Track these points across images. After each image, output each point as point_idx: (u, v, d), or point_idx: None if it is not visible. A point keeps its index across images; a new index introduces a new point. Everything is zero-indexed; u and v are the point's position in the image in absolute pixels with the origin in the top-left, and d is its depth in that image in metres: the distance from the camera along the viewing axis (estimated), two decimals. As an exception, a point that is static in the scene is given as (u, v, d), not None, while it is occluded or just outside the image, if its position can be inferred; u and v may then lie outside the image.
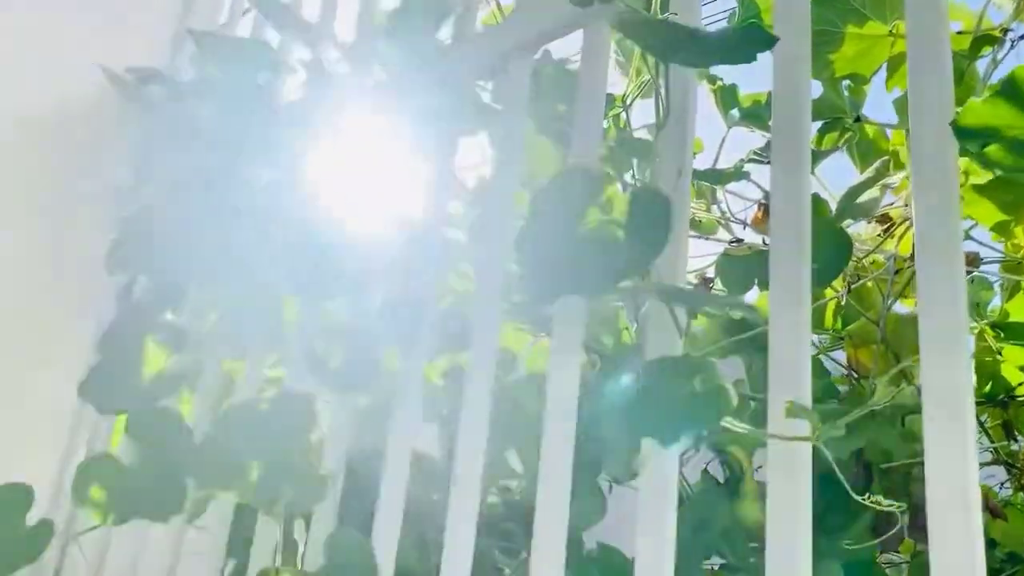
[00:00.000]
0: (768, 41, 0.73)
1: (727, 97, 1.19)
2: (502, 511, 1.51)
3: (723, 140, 1.16)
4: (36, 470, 1.64)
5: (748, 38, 0.73)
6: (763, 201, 1.12)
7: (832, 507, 1.40)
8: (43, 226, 1.75)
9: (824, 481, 1.37)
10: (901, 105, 1.03)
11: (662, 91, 0.83)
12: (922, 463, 0.64)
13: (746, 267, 1.10)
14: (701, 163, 1.25)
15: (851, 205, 0.97)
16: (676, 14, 0.88)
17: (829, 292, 1.13)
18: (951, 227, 0.69)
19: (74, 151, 1.81)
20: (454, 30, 1.22)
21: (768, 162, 1.17)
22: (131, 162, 1.78)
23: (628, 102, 1.17)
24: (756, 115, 1.15)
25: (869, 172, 1.01)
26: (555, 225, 0.78)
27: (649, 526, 0.79)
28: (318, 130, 1.34)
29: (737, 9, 1.03)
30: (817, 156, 1.05)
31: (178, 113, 1.52)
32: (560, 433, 0.90)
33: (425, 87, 1.23)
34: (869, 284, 1.13)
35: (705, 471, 1.39)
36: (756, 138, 1.19)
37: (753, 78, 1.41)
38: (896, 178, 0.97)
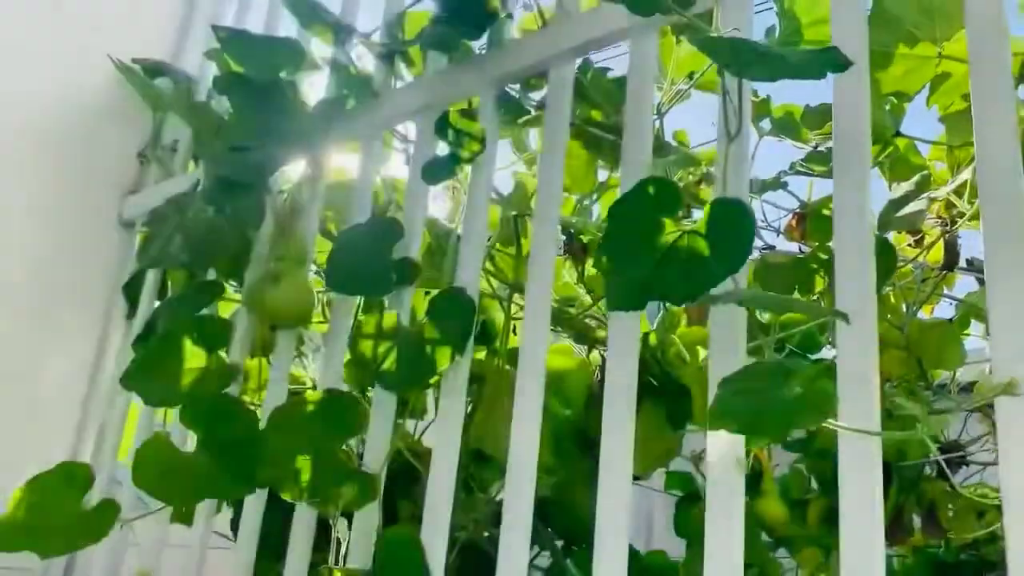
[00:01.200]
0: (843, 63, 0.76)
1: (759, 108, 1.22)
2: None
3: (755, 150, 1.19)
4: (48, 451, 1.63)
5: (824, 59, 0.75)
6: (798, 210, 1.15)
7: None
8: (51, 216, 1.72)
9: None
10: (951, 122, 1.06)
11: (733, 103, 0.85)
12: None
13: (785, 274, 1.14)
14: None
15: (894, 217, 1.01)
16: (738, 30, 0.91)
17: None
18: (1017, 243, 0.73)
19: (85, 138, 1.79)
20: (491, 35, 1.23)
21: (809, 174, 1.21)
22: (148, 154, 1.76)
23: (663, 111, 1.20)
24: (788, 126, 1.19)
25: (908, 185, 1.05)
26: (635, 234, 0.80)
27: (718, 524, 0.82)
28: (349, 129, 1.34)
29: (778, 23, 1.06)
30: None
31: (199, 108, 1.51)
32: (621, 434, 0.92)
33: (462, 89, 1.25)
34: (891, 291, 1.17)
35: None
36: (784, 147, 1.23)
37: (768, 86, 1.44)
38: (941, 191, 1.01)
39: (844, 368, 0.79)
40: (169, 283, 1.61)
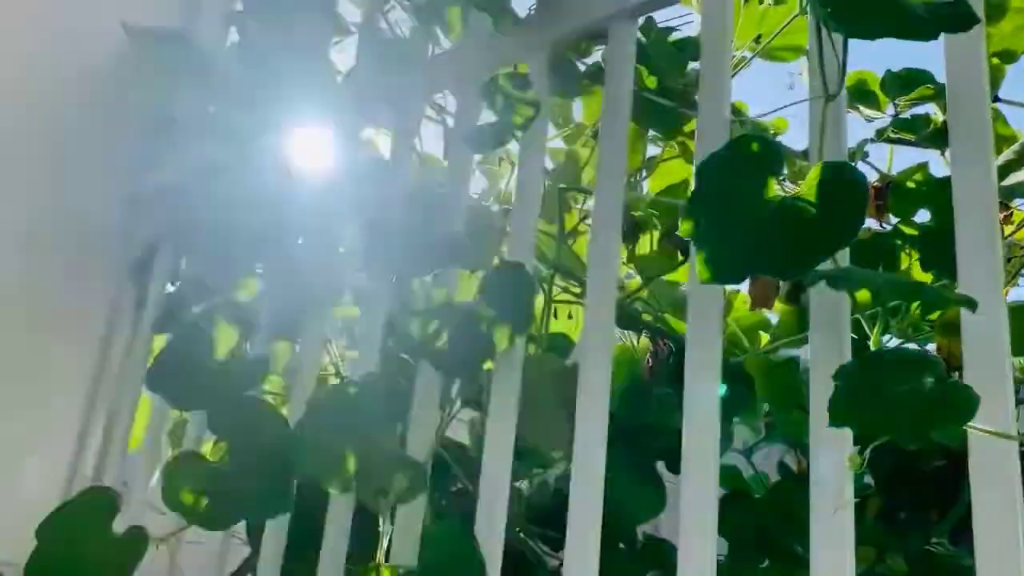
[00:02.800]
0: (972, 19, 0.68)
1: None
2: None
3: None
4: (51, 453, 1.54)
5: (954, 14, 0.67)
6: (877, 183, 1.07)
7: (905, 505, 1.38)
8: (53, 192, 1.63)
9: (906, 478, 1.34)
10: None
11: (839, 59, 0.77)
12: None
13: (865, 251, 1.06)
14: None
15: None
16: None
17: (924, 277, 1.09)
18: None
19: (90, 112, 1.69)
20: (540, -6, 1.14)
21: (895, 142, 1.13)
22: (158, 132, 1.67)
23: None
24: (864, 94, 1.11)
25: (1009, 155, 0.97)
26: (733, 197, 0.72)
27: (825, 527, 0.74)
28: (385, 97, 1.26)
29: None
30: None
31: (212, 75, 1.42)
32: (707, 436, 0.84)
33: (509, 54, 1.16)
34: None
35: (782, 463, 1.35)
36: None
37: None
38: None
39: (972, 361, 0.70)
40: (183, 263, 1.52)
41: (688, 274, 0.93)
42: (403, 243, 1.09)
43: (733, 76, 1.11)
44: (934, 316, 1.09)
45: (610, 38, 1.07)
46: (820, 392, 0.75)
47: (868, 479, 1.40)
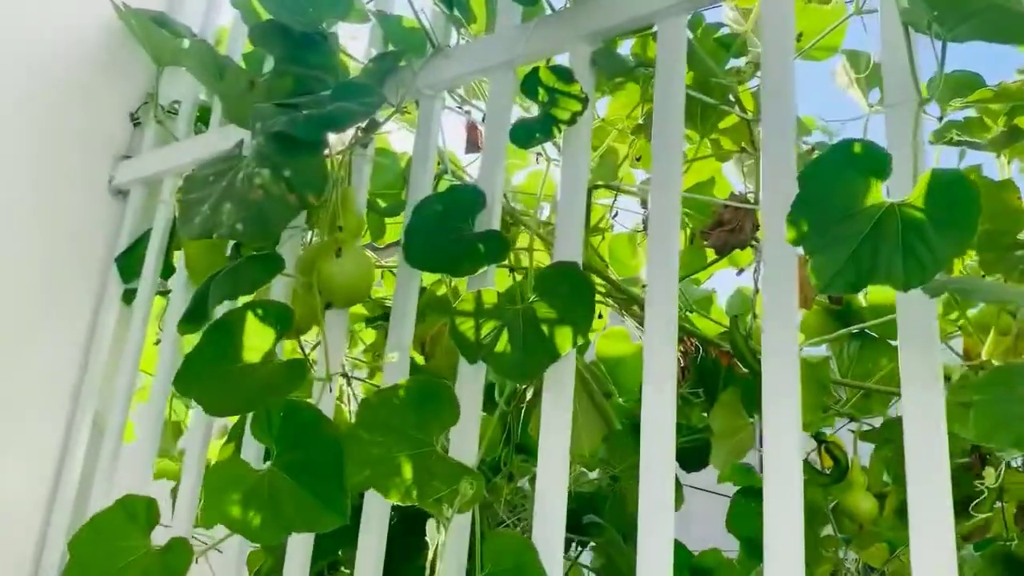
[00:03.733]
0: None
1: (871, 81, 1.14)
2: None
3: (867, 121, 1.10)
4: (37, 444, 1.45)
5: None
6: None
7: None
8: (33, 183, 1.53)
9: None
10: None
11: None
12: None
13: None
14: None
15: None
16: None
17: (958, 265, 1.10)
18: None
19: (70, 96, 1.60)
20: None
21: (953, 143, 1.13)
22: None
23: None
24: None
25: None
26: (837, 201, 0.70)
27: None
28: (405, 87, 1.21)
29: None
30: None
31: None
32: (789, 433, 0.83)
33: (548, 44, 1.13)
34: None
35: (805, 462, 1.35)
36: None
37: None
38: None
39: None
40: (181, 257, 1.45)
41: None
42: (440, 240, 1.05)
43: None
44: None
45: (660, 33, 1.04)
46: (916, 402, 0.74)
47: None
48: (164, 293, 1.61)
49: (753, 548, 1.54)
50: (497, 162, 1.12)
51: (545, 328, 0.91)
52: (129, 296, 1.53)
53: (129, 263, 1.55)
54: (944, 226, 0.67)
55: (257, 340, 0.98)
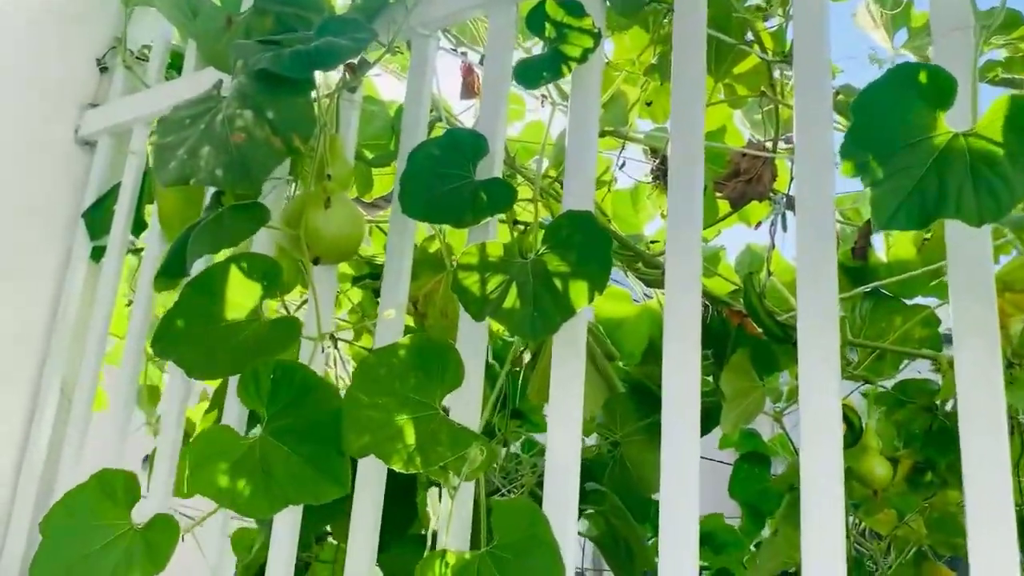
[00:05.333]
0: None
1: (896, 20, 1.06)
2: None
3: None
4: (1, 412, 1.36)
5: None
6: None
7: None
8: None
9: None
10: None
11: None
12: None
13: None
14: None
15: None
16: None
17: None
18: None
19: (33, 42, 1.49)
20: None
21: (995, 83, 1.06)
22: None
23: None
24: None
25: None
26: (898, 131, 0.63)
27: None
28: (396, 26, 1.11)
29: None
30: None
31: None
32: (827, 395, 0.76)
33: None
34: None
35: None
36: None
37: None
38: None
39: None
40: (154, 212, 1.35)
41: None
42: (439, 188, 0.97)
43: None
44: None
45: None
46: (971, 355, 0.68)
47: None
48: (136, 251, 1.52)
49: (756, 514, 1.50)
50: (499, 105, 1.04)
51: (558, 282, 0.84)
52: (98, 253, 1.44)
53: (97, 218, 1.45)
54: (1019, 158, 0.60)
55: (242, 297, 0.90)
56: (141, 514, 0.78)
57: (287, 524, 1.01)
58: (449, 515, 0.81)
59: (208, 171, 0.95)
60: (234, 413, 1.08)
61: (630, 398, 1.33)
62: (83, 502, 0.77)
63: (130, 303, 1.49)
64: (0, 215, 1.42)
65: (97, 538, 0.76)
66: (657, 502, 1.53)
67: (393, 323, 1.02)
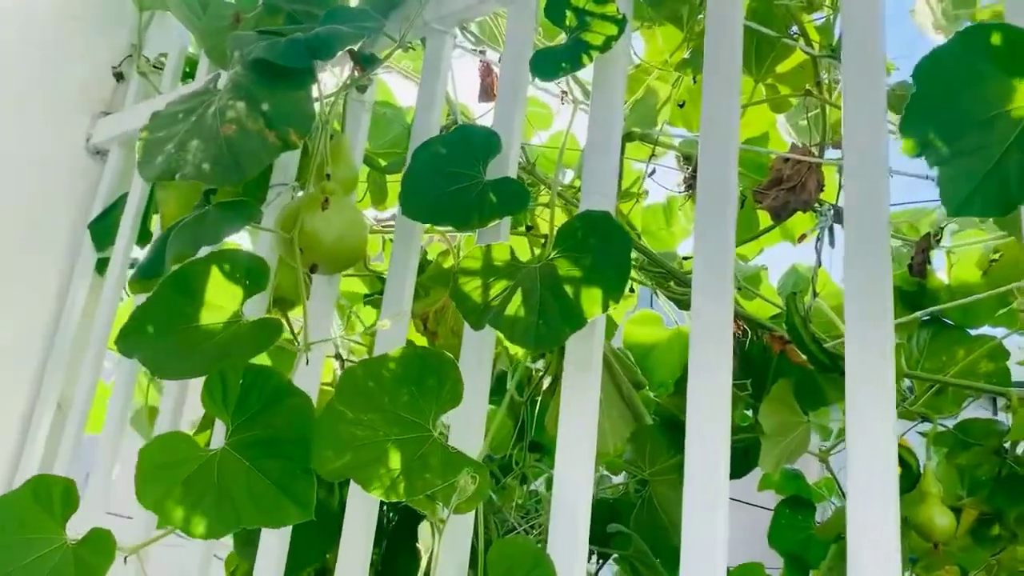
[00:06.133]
0: None
1: (958, 5, 0.96)
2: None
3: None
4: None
5: None
6: None
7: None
8: (5, 141, 1.38)
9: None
10: None
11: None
12: None
13: None
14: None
15: None
16: None
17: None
18: None
19: (48, 49, 1.44)
20: None
21: None
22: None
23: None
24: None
25: None
26: (969, 102, 0.53)
27: None
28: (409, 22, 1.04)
29: None
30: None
31: None
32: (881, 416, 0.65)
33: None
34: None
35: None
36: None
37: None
38: None
39: None
40: (157, 220, 1.28)
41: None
42: (443, 187, 0.88)
43: None
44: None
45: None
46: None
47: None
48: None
49: (799, 566, 1.36)
50: (515, 101, 0.95)
51: (568, 289, 0.74)
52: (103, 265, 1.37)
53: (103, 229, 1.38)
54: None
55: (221, 298, 0.82)
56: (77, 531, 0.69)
57: (271, 553, 0.92)
58: (436, 555, 0.70)
59: (195, 164, 0.87)
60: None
61: (661, 432, 1.22)
62: (15, 511, 0.68)
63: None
64: (3, 225, 1.36)
65: (24, 553, 0.67)
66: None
67: (394, 334, 0.92)
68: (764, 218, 1.08)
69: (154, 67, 1.51)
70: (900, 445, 1.11)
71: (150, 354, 0.78)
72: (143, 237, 1.35)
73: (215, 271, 0.82)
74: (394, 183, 1.29)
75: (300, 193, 1.10)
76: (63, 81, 1.47)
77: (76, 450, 1.25)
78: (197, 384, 1.08)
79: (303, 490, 0.67)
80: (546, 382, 1.15)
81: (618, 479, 1.42)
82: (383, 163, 1.23)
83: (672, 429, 1.22)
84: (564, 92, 1.08)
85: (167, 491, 0.67)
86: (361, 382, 0.74)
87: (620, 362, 1.22)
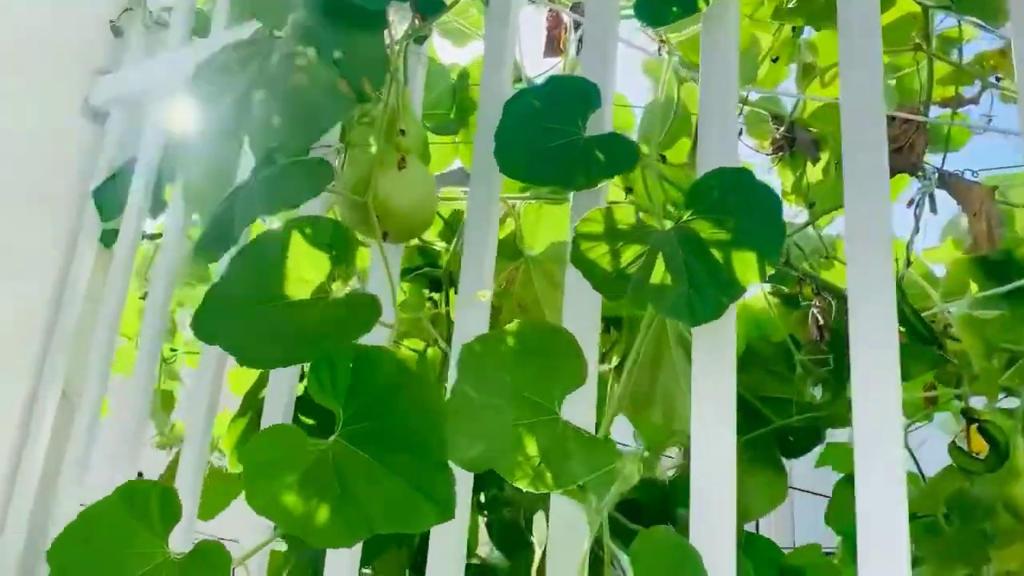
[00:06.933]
0: None
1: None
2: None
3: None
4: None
5: None
6: None
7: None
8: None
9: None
10: None
11: None
12: None
13: None
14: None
15: None
16: None
17: None
18: None
19: (41, 2, 1.31)
20: None
21: None
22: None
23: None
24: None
25: None
26: None
27: None
28: None
29: None
30: None
31: None
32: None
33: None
34: None
35: (953, 445, 1.11)
36: None
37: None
38: None
39: None
40: (175, 191, 1.17)
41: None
42: (544, 144, 0.79)
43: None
44: None
45: None
46: None
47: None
48: (154, 237, 1.34)
49: (855, 546, 1.31)
50: (607, 47, 0.86)
51: (717, 253, 0.66)
52: (108, 237, 1.25)
53: (110, 197, 1.26)
54: None
55: (306, 270, 0.72)
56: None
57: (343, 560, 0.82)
58: (584, 556, 0.62)
59: (263, 119, 0.77)
60: (278, 414, 0.89)
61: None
62: (105, 524, 0.59)
63: (144, 296, 1.31)
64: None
65: (125, 571, 0.57)
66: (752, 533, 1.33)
67: (478, 309, 0.84)
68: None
69: (157, 23, 1.38)
70: (989, 421, 1.06)
71: (234, 340, 0.68)
72: (156, 207, 1.24)
73: (297, 239, 0.72)
74: (437, 145, 1.20)
75: (342, 157, 1.00)
76: (55, 37, 1.34)
77: (89, 445, 1.14)
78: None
79: (441, 487, 0.59)
80: (614, 360, 1.07)
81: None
82: (427, 125, 1.14)
83: (738, 407, 1.16)
84: (662, 41, 0.99)
85: (282, 494, 0.58)
86: (480, 359, 0.66)
87: (682, 337, 1.15)
